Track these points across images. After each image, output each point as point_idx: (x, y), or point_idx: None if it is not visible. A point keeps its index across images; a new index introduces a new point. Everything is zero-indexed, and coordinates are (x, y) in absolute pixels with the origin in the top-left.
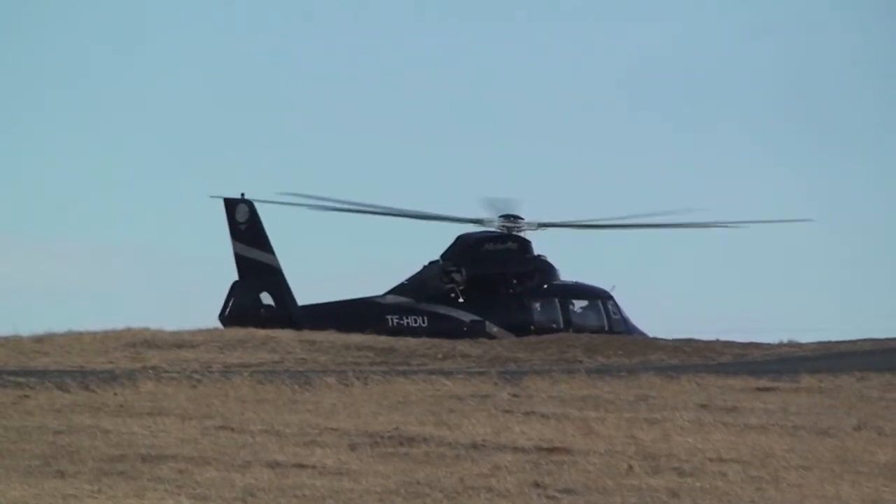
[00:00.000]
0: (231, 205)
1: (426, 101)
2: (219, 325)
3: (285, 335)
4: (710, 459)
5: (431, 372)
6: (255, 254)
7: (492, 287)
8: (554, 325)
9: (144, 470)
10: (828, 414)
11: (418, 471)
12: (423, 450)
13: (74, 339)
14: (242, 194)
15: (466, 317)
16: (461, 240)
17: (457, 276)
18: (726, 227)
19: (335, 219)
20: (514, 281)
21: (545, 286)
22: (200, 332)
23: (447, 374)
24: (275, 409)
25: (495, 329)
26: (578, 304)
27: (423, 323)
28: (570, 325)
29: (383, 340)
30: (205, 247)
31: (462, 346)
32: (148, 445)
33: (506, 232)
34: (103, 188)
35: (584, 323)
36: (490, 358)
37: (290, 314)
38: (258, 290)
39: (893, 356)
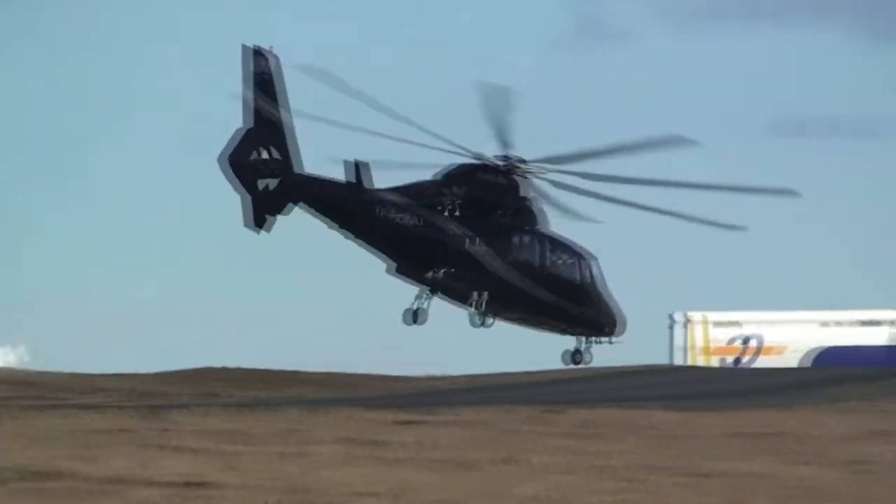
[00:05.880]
0: (253, 54)
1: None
2: None
3: None
4: (355, 493)
5: (75, 406)
6: (268, 107)
7: (483, 211)
8: (533, 263)
9: None
10: (474, 447)
11: None
12: (67, 484)
13: None
14: (271, 47)
15: (455, 229)
16: (460, 164)
17: (451, 192)
18: None
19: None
20: (503, 212)
21: (534, 227)
22: None
23: (91, 408)
24: None
25: (479, 249)
26: (560, 254)
27: (413, 222)
28: (546, 269)
29: (23, 374)
30: None
31: (104, 381)
32: None
33: (502, 168)
34: None
35: (560, 273)
36: (135, 392)
37: (290, 171)
38: (263, 143)
39: (540, 389)
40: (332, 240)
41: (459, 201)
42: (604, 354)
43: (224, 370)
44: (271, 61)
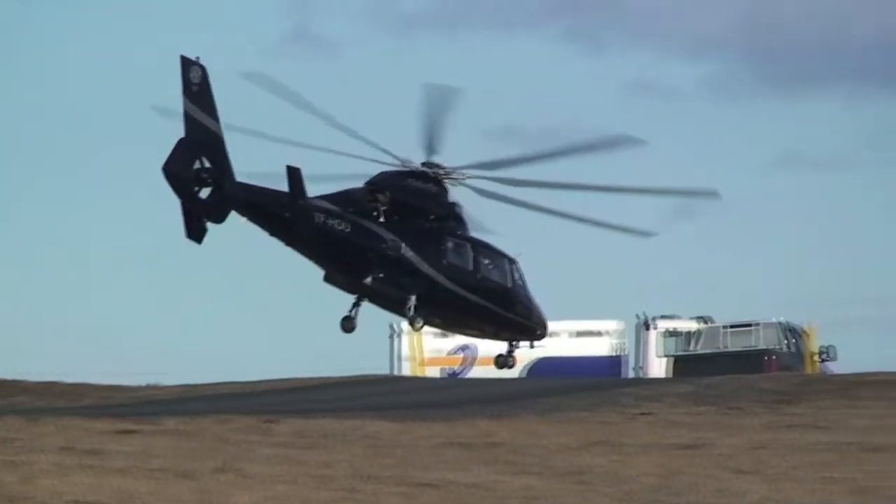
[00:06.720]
0: (186, 64)
1: None
2: None
3: None
4: (74, 502)
5: None
6: (202, 117)
7: (411, 216)
8: (464, 267)
9: None
10: (190, 456)
11: None
12: None
13: None
14: (197, 57)
15: (387, 235)
16: (385, 172)
17: (381, 198)
18: None
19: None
20: (432, 217)
21: (459, 232)
22: None
23: None
24: None
25: (410, 254)
26: (489, 258)
27: (347, 229)
28: (477, 272)
29: None
30: None
31: None
32: None
33: (428, 173)
34: None
35: (491, 276)
36: None
37: (225, 182)
38: (198, 153)
39: (258, 399)
40: (54, 246)
41: (386, 207)
42: (326, 363)
43: None
44: (200, 71)
